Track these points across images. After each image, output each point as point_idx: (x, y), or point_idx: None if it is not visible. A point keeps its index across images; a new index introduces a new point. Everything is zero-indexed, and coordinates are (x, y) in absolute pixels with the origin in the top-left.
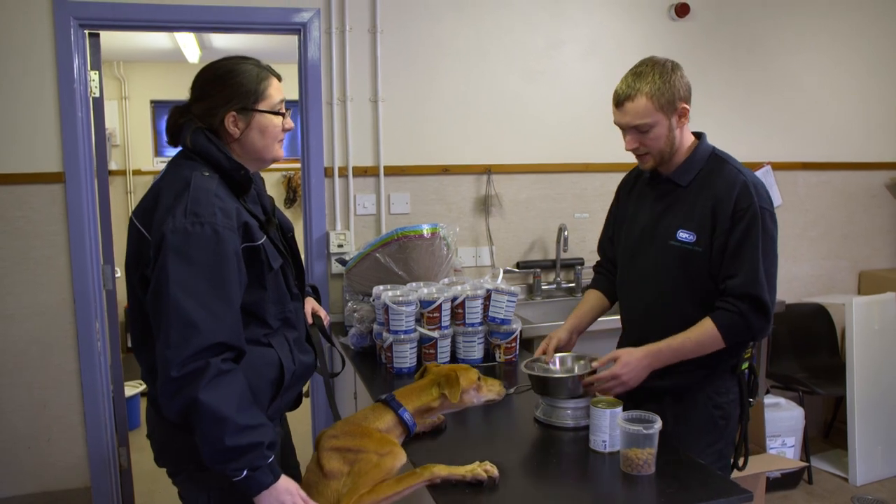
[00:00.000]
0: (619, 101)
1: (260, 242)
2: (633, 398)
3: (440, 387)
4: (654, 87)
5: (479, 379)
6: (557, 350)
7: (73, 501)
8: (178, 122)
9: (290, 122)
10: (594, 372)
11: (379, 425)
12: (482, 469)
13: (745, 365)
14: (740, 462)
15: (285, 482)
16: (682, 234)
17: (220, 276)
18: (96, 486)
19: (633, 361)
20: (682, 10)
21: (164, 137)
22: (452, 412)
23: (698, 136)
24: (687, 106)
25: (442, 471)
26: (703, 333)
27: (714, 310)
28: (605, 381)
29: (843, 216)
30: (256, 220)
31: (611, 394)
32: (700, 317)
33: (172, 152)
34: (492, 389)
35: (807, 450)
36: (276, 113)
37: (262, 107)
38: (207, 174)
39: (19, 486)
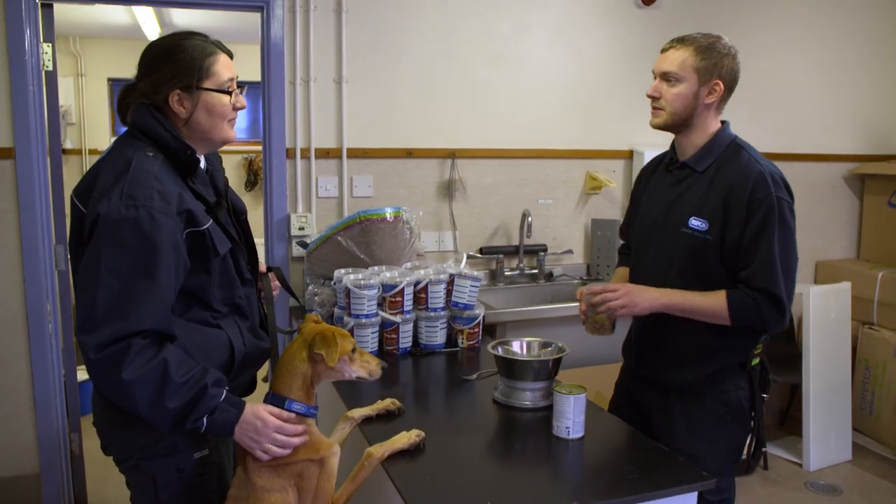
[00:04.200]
0: (666, 48)
1: (205, 227)
2: (639, 394)
3: (313, 347)
4: (702, 44)
5: (353, 350)
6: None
7: (21, 488)
8: (125, 100)
9: (241, 101)
10: (560, 360)
11: None
12: (415, 436)
13: (756, 361)
14: (752, 453)
15: (251, 409)
16: (694, 222)
17: (152, 262)
18: (46, 472)
19: (645, 290)
20: None
21: None
22: (332, 381)
23: (722, 123)
24: (721, 85)
25: (386, 449)
26: (714, 301)
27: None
28: (614, 292)
29: (802, 207)
30: (205, 203)
31: (616, 311)
32: None
33: None
34: (365, 366)
35: (762, 438)
36: (224, 91)
37: (207, 84)
38: (151, 154)
39: None
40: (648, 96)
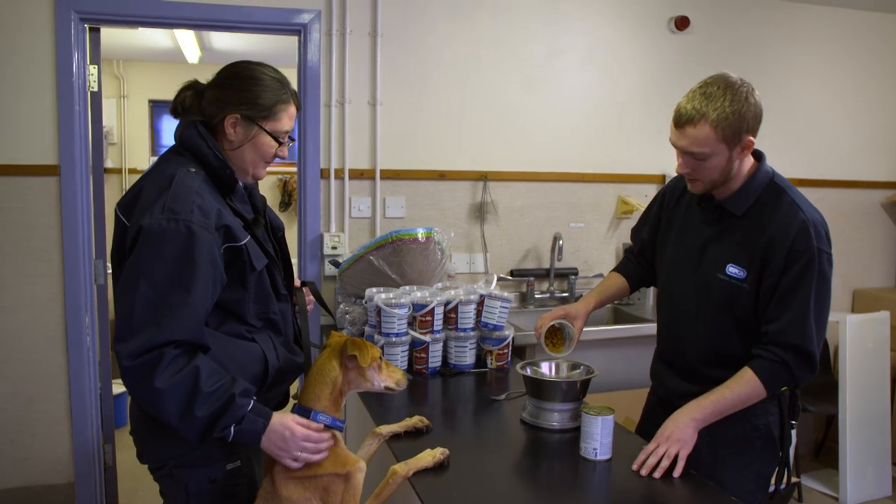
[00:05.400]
0: (680, 122)
1: (242, 243)
2: (666, 419)
3: (344, 353)
4: (721, 114)
5: (380, 358)
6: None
7: (56, 497)
8: (185, 95)
9: (285, 152)
10: (588, 381)
11: None
12: (439, 453)
13: (785, 387)
14: (783, 483)
15: (278, 419)
16: (732, 269)
17: (188, 275)
18: (80, 482)
19: (672, 421)
20: (681, 23)
21: (162, 137)
22: (359, 391)
23: (758, 156)
24: (752, 138)
25: (411, 467)
26: (744, 385)
27: (752, 357)
28: (657, 442)
29: (838, 234)
30: (242, 219)
31: (668, 458)
32: (738, 345)
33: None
34: (392, 375)
35: (797, 468)
36: (277, 139)
37: (267, 126)
38: (193, 170)
39: (1, 479)
40: (679, 173)
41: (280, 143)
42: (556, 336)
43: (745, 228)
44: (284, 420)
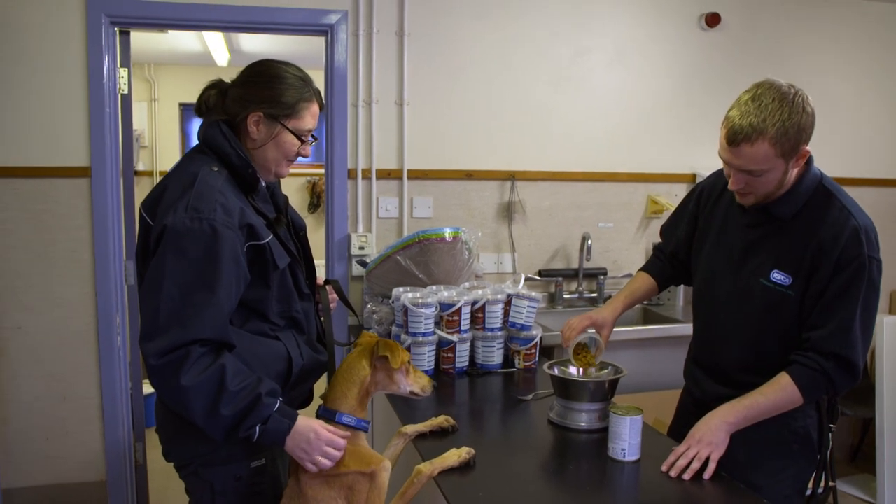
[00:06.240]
0: (736, 139)
1: (265, 241)
2: (698, 419)
3: (374, 353)
4: (780, 130)
5: (409, 362)
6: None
7: (87, 494)
8: (209, 94)
9: (307, 151)
10: (616, 381)
11: None
12: (465, 453)
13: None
14: (820, 488)
15: (304, 422)
16: (777, 276)
17: (213, 273)
18: (112, 479)
19: (704, 423)
20: (712, 20)
21: (192, 140)
22: (384, 393)
23: (806, 159)
24: (807, 147)
25: (436, 467)
26: (781, 392)
27: (791, 363)
28: (688, 444)
29: None
30: (265, 218)
31: (699, 460)
32: (778, 353)
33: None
34: (418, 381)
35: (832, 472)
36: (299, 137)
37: (289, 124)
38: (216, 169)
39: (35, 477)
40: (732, 189)
41: (303, 142)
42: (585, 348)
43: (793, 234)
44: (310, 423)
